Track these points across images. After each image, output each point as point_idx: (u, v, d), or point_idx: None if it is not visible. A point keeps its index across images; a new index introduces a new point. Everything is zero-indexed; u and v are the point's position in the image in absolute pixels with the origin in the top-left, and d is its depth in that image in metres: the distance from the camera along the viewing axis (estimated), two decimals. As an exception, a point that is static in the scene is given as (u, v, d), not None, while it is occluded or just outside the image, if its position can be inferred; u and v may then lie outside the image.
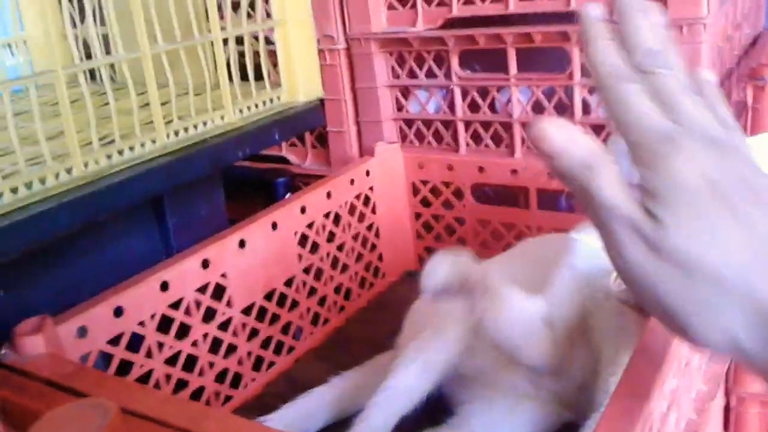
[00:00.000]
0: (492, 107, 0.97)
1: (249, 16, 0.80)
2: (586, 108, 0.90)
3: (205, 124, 0.68)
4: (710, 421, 0.77)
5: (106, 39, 0.64)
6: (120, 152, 0.60)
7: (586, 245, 0.66)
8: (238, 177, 1.11)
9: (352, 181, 0.93)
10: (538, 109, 0.93)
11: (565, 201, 0.98)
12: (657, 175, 0.33)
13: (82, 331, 0.60)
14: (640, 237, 0.33)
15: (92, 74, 1.00)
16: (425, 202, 1.01)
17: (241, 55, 0.79)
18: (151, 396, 0.50)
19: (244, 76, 0.78)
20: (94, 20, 0.62)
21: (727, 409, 0.94)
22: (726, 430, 0.96)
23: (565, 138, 0.35)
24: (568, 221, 0.77)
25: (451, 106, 0.99)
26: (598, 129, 0.89)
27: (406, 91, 1.03)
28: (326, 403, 0.72)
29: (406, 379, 0.68)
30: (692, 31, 0.80)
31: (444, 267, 0.58)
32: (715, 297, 0.32)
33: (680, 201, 0.32)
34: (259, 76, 0.79)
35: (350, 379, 0.75)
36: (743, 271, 0.32)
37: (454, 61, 0.95)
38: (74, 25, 0.92)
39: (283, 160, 1.13)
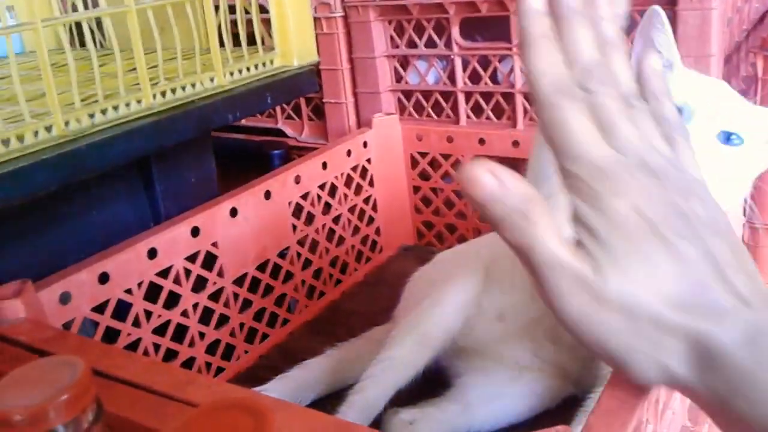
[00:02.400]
0: (494, 78, 0.95)
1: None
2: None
3: (193, 86, 0.66)
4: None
5: (95, 5, 0.61)
6: (103, 112, 0.58)
7: None
8: (234, 149, 1.10)
9: (348, 153, 0.91)
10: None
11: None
12: (594, 213, 0.32)
13: (65, 297, 0.58)
14: (583, 287, 0.32)
15: (81, 41, 0.98)
16: (424, 175, 0.99)
17: (236, 23, 0.77)
18: (135, 361, 0.48)
19: (239, 43, 0.76)
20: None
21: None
22: None
23: (497, 184, 0.32)
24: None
25: (451, 77, 0.96)
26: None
27: (405, 62, 1.00)
28: (321, 374, 0.70)
29: (403, 351, 0.66)
30: (702, -4, 0.77)
31: None
32: (654, 334, 0.32)
33: (616, 242, 0.32)
34: (253, 41, 0.77)
35: (346, 350, 0.73)
36: (678, 307, 0.32)
37: (455, 30, 0.93)
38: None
39: (280, 133, 1.11)
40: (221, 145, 1.06)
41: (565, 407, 0.64)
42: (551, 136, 0.34)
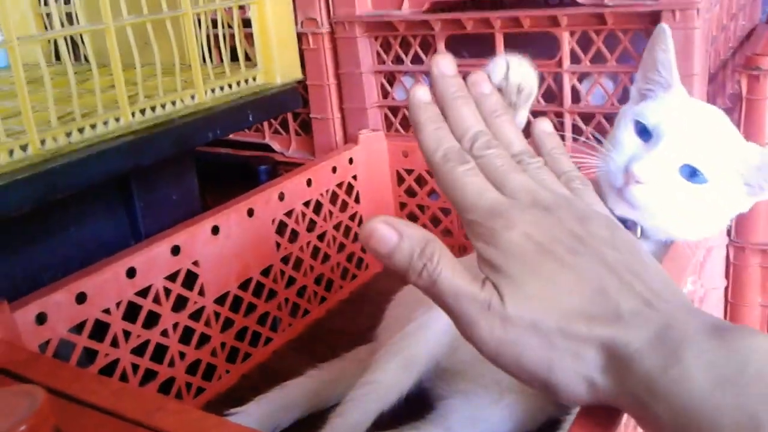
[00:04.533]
0: (480, 95, 0.94)
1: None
2: (575, 96, 0.87)
3: (174, 103, 0.65)
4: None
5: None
6: (80, 130, 0.57)
7: None
8: (220, 164, 1.09)
9: (334, 169, 0.90)
10: (526, 96, 0.91)
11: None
12: (492, 249, 0.35)
13: (41, 318, 0.57)
14: (489, 312, 0.34)
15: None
16: (410, 192, 0.98)
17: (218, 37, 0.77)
18: (105, 386, 0.47)
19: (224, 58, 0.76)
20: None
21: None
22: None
23: (395, 233, 0.35)
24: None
25: (438, 93, 0.96)
26: (587, 117, 0.86)
27: (391, 78, 1.00)
28: (301, 395, 0.70)
29: (387, 375, 0.65)
30: (685, 16, 0.77)
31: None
32: (566, 347, 0.33)
33: (513, 268, 0.34)
34: (236, 57, 0.77)
35: (328, 371, 0.72)
36: (582, 317, 0.33)
37: (441, 46, 0.93)
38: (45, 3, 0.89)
39: (267, 148, 1.10)
40: (207, 159, 1.05)
41: (547, 430, 0.63)
42: (450, 197, 0.37)
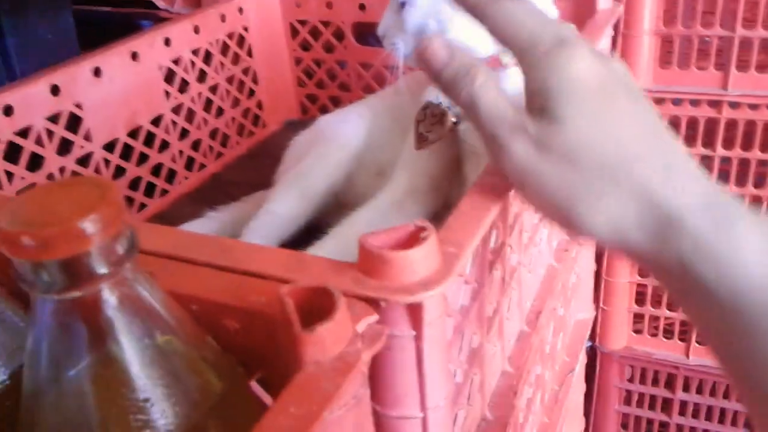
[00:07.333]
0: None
1: None
2: None
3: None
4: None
5: None
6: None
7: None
8: (100, 22, 1.02)
9: (223, 18, 0.86)
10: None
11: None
12: (552, 73, 0.34)
13: None
14: (525, 136, 0.34)
15: None
16: (305, 46, 0.96)
17: None
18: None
19: None
20: None
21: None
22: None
23: (447, 52, 0.37)
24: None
25: (329, -60, 0.92)
26: None
27: (280, -75, 0.95)
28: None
29: (285, 205, 0.66)
30: None
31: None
32: (607, 186, 0.33)
33: (575, 96, 0.33)
34: None
35: (228, 212, 0.72)
36: (638, 164, 0.33)
37: None
38: None
39: (151, 5, 1.04)
40: (86, 18, 0.98)
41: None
42: (501, 31, 0.35)
